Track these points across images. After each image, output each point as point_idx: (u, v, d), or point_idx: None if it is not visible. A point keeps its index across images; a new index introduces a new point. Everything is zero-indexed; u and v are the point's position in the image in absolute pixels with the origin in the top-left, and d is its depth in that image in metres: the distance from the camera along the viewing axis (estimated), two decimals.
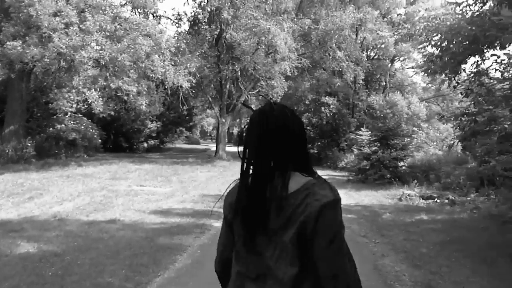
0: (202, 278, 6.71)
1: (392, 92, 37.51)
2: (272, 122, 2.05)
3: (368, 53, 40.16)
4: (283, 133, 2.05)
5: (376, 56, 41.18)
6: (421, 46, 12.71)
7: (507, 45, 9.96)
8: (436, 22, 11.74)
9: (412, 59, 41.84)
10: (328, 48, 31.43)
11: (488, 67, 11.73)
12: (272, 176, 2.01)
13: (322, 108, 35.35)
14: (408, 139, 25.17)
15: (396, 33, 37.83)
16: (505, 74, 10.89)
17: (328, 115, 35.64)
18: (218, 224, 10.85)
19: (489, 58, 11.20)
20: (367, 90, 39.07)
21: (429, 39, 11.69)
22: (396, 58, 40.82)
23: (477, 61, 12.10)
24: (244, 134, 2.14)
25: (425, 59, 12.67)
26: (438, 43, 11.42)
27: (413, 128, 29.52)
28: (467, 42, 10.74)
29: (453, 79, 12.70)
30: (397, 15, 39.38)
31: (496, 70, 11.10)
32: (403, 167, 23.01)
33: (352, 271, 2.03)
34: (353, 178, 23.98)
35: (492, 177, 16.75)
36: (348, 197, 17.30)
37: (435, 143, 31.66)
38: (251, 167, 2.08)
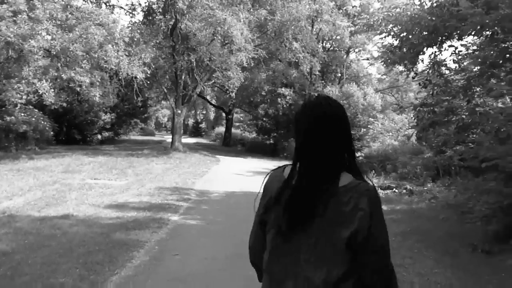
0: (161, 275, 6.45)
1: (348, 83, 37.69)
2: (331, 114, 2.03)
3: (324, 44, 40.19)
4: (341, 126, 2.04)
5: (332, 48, 41.30)
6: (381, 36, 12.68)
7: (465, 36, 9.98)
8: (396, 12, 11.71)
9: (367, 50, 42.22)
10: (284, 39, 31.25)
11: (445, 58, 11.76)
12: (326, 171, 1.98)
13: (279, 99, 35.22)
14: (365, 129, 25.35)
15: (352, 24, 37.98)
16: (462, 65, 10.93)
17: (285, 106, 35.56)
18: (176, 217, 10.61)
19: (447, 49, 11.24)
20: (323, 81, 39.14)
21: (389, 29, 11.65)
22: (351, 50, 41.03)
23: (435, 52, 12.14)
24: (299, 126, 2.09)
25: (384, 50, 12.64)
26: (398, 34, 11.39)
27: (369, 118, 29.69)
28: (426, 33, 10.73)
29: (411, 69, 12.72)
30: (352, 7, 39.55)
31: (454, 61, 11.14)
32: (360, 158, 23.15)
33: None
34: None
35: (448, 167, 16.97)
36: None
37: (390, 134, 32.00)
38: (303, 159, 2.04)
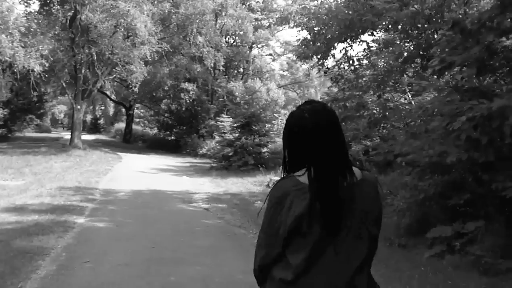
0: (72, 286, 5.85)
1: (252, 78, 37.74)
2: (333, 119, 2.13)
3: (227, 39, 39.97)
4: (341, 128, 2.15)
5: (235, 43, 41.10)
6: (297, 29, 12.53)
7: (379, 31, 10.04)
8: (313, 5, 11.61)
9: (270, 46, 42.39)
10: (188, 33, 30.68)
11: (357, 53, 11.82)
12: (347, 169, 2.07)
13: (182, 94, 34.58)
14: (270, 125, 25.28)
15: (255, 19, 37.93)
16: (376, 60, 11.02)
17: (188, 101, 34.95)
18: (82, 220, 9.88)
19: (361, 44, 11.29)
20: (226, 76, 38.92)
21: (304, 23, 11.53)
22: (254, 45, 41.01)
23: (346, 47, 12.18)
24: (309, 134, 2.09)
25: (298, 44, 12.53)
26: (313, 27, 11.30)
27: (274, 114, 29.74)
28: (343, 26, 10.71)
29: (323, 64, 12.71)
30: (256, 2, 39.55)
31: (365, 56, 11.21)
32: (266, 153, 23.09)
33: None
34: (216, 165, 23.60)
35: (354, 162, 17.21)
36: (215, 185, 16.93)
37: None
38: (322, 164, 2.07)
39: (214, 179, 19.09)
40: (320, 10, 11.07)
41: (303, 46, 12.25)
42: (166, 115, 40.00)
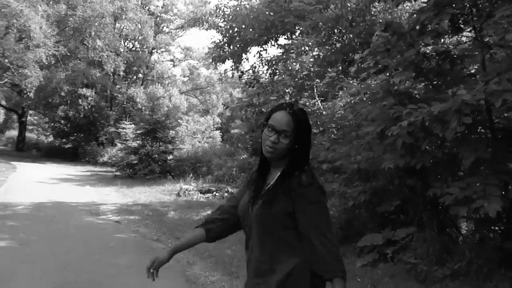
0: None
1: (152, 84, 36.75)
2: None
3: (126, 44, 38.64)
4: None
5: (134, 48, 39.76)
6: (216, 31, 12.03)
7: (301, 34, 9.78)
8: (231, 5, 11.16)
9: (171, 51, 41.43)
10: (87, 36, 29.24)
11: (273, 57, 11.52)
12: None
13: (80, 100, 32.95)
14: (174, 131, 24.54)
15: (155, 24, 36.94)
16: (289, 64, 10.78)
17: (86, 107, 33.34)
18: None
19: (279, 47, 11.00)
20: (126, 82, 37.62)
21: (221, 25, 11.07)
22: (154, 50, 39.88)
23: (260, 50, 11.87)
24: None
25: (213, 46, 12.05)
26: (229, 29, 10.85)
27: (177, 120, 29.01)
28: (263, 27, 10.34)
29: (238, 68, 12.31)
30: (156, 6, 38.57)
31: (282, 60, 10.93)
32: (172, 161, 22.42)
33: None
34: (120, 173, 22.56)
35: None
36: (123, 196, 16.05)
37: (199, 136, 31.79)
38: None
39: (120, 188, 18.15)
40: (240, 10, 10.66)
41: (218, 49, 11.81)
42: (62, 122, 37.99)
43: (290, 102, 2.57)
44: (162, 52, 41.01)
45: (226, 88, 42.06)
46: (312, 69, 10.59)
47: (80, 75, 33.23)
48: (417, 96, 6.61)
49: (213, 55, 12.11)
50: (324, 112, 11.24)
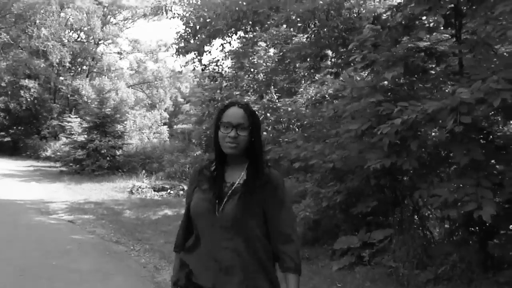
0: None
1: (99, 76, 35.64)
2: None
3: (71, 34, 37.16)
4: None
5: (79, 38, 38.29)
6: (181, 21, 11.45)
7: (273, 26, 9.38)
8: None
9: (119, 43, 40.14)
10: (30, 24, 27.90)
11: (237, 49, 11.08)
12: None
13: (21, 92, 31.47)
14: (122, 126, 23.70)
15: (103, 15, 35.74)
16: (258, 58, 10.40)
17: (28, 99, 31.87)
18: None
19: (248, 40, 10.56)
20: (71, 73, 36.24)
21: (184, 14, 10.54)
22: (101, 42, 38.52)
23: (223, 43, 11.44)
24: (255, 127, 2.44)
25: (178, 37, 11.50)
26: (199, 17, 10.34)
27: (126, 114, 28.18)
28: (236, 18, 9.86)
29: (201, 61, 11.81)
30: None
31: (247, 54, 10.54)
32: (121, 156, 21.64)
33: None
34: (67, 169, 21.53)
35: None
36: (72, 192, 15.28)
37: (147, 131, 31.02)
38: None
39: (67, 185, 17.31)
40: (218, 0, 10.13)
41: (183, 40, 11.26)
42: (1, 114, 36.30)
43: (234, 100, 3.19)
44: (109, 44, 39.75)
45: (174, 83, 41.22)
46: (278, 64, 10.27)
47: (22, 65, 31.77)
48: (407, 93, 6.31)
49: (178, 45, 11.51)
50: (289, 109, 10.92)
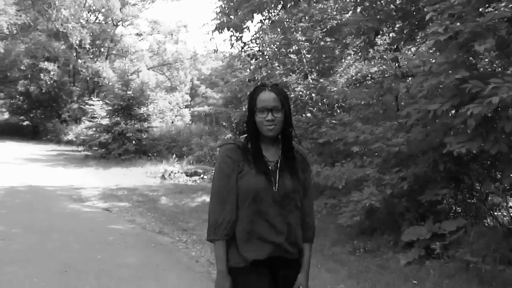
0: None
1: (118, 58, 35.01)
2: None
3: (90, 16, 36.44)
4: None
5: (97, 20, 37.49)
6: None
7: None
8: None
9: (137, 24, 39.20)
10: (50, 6, 27.27)
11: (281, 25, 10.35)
12: None
13: (41, 75, 30.90)
14: (147, 109, 23.10)
15: None
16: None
17: (48, 82, 31.29)
18: None
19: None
20: (91, 56, 35.60)
21: None
22: (120, 23, 37.68)
23: (264, 19, 10.75)
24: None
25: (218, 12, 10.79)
26: None
27: (150, 97, 27.59)
28: None
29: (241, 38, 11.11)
30: None
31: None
32: (147, 140, 21.07)
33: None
34: (92, 153, 21.01)
35: None
36: (102, 178, 14.75)
37: (168, 113, 30.44)
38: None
39: (95, 170, 16.82)
40: None
41: (224, 15, 10.56)
42: (20, 98, 35.90)
43: (263, 82, 3.06)
44: (127, 25, 38.98)
45: (195, 64, 40.45)
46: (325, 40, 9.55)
47: (41, 48, 31.19)
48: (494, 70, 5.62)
49: (220, 20, 10.74)
50: (334, 88, 10.24)
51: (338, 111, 11.24)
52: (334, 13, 9.30)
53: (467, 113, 5.02)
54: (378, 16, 7.74)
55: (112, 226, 8.61)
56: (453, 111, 5.97)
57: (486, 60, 6.13)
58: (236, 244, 2.56)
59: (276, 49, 10.21)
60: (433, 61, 5.58)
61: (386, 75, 9.65)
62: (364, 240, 7.45)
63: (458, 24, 5.41)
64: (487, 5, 5.70)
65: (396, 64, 9.01)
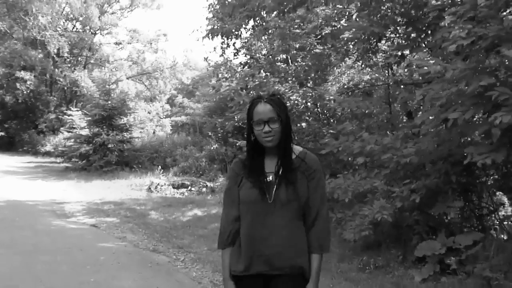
0: None
1: (97, 68, 34.35)
2: None
3: (66, 24, 35.64)
4: None
5: (75, 28, 36.73)
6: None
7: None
8: None
9: (115, 33, 38.54)
10: (25, 13, 26.55)
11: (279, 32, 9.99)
12: None
13: (17, 84, 30.11)
14: (127, 119, 22.49)
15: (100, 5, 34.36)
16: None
17: (24, 92, 30.50)
18: None
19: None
20: (68, 65, 34.83)
21: None
22: (99, 32, 36.98)
23: (256, 25, 10.38)
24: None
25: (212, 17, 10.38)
26: None
27: (131, 107, 27.00)
28: None
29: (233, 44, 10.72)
30: None
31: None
32: (129, 151, 20.50)
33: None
34: (72, 165, 20.36)
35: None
36: (85, 191, 14.18)
37: (149, 124, 29.85)
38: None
39: (76, 182, 16.22)
40: None
41: (217, 20, 10.15)
42: None
43: (259, 94, 3.08)
44: (106, 34, 38.31)
45: (175, 74, 39.78)
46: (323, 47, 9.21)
47: (17, 57, 30.40)
48: None
49: (213, 26, 10.31)
50: (330, 97, 9.90)
51: (331, 120, 10.95)
52: (336, 19, 8.93)
53: (495, 122, 4.70)
54: (383, 21, 7.41)
55: (102, 244, 8.09)
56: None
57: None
58: (237, 251, 2.64)
59: (270, 57, 9.81)
60: (457, 67, 5.23)
61: (379, 83, 9.38)
62: (371, 255, 7.08)
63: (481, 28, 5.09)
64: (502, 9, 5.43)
65: (399, 72, 8.73)
